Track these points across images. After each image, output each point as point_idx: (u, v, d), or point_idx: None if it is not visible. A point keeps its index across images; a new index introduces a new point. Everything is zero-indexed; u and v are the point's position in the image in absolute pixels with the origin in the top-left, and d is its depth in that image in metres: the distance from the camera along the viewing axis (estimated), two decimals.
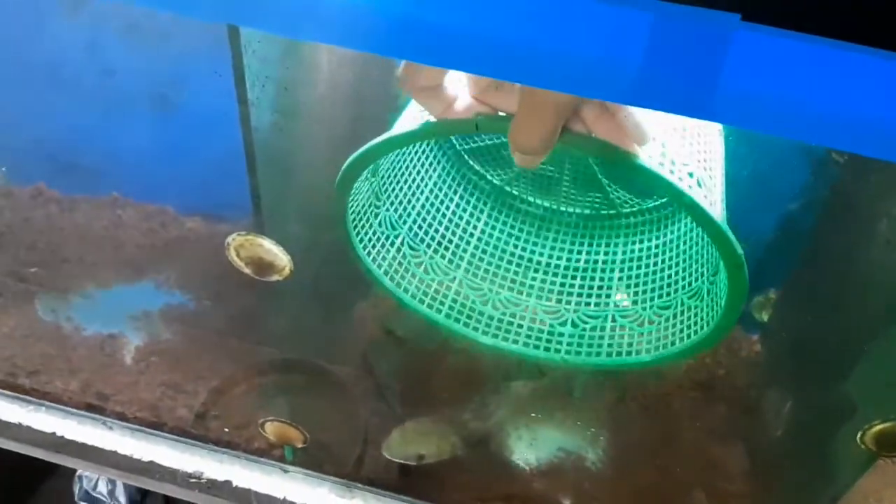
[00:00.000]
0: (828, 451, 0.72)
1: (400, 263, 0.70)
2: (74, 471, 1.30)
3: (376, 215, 0.68)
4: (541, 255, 0.76)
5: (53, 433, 0.87)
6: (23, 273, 0.85)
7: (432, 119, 0.50)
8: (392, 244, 0.70)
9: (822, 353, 0.70)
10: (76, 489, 1.30)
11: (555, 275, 0.75)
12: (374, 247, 0.68)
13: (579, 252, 0.75)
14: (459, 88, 0.50)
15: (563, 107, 0.45)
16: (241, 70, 0.54)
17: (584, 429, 0.83)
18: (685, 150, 0.54)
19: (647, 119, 0.48)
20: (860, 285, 0.70)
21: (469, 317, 0.72)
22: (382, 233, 0.69)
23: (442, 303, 0.71)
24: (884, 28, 0.35)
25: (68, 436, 0.87)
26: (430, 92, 0.49)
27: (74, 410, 0.87)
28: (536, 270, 0.75)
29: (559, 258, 0.75)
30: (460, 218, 0.73)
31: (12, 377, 0.86)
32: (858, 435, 0.63)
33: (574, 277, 0.74)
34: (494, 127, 0.49)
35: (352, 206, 0.64)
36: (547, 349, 0.71)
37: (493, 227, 0.75)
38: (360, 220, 0.66)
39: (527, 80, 0.42)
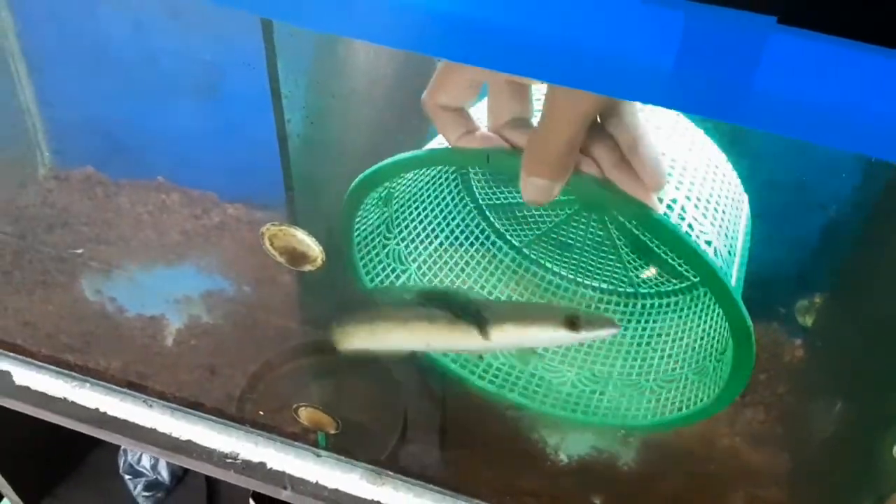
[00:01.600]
0: (865, 461, 0.71)
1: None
2: (118, 445, 1.34)
3: (385, 245, 0.69)
4: None
5: (97, 409, 0.89)
6: (70, 254, 0.88)
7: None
8: (398, 277, 0.70)
9: (865, 361, 0.68)
10: (121, 462, 1.34)
11: None
12: (377, 275, 0.68)
13: None
14: (480, 120, 0.49)
15: (581, 117, 0.44)
16: (273, 62, 0.54)
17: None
18: (706, 214, 0.53)
19: (663, 165, 0.47)
20: None
21: (466, 360, 0.72)
22: (389, 264, 0.69)
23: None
24: None
25: (111, 412, 0.89)
26: (450, 115, 0.48)
27: (116, 388, 0.89)
28: None
29: None
30: (473, 269, 0.73)
31: (58, 353, 0.89)
32: (894, 448, 0.61)
33: (581, 344, 0.73)
34: (506, 163, 0.48)
35: (361, 228, 0.65)
36: (543, 402, 0.71)
37: (506, 286, 0.75)
38: (369, 244, 0.67)
39: (560, 80, 0.42)
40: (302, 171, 0.63)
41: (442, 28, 0.39)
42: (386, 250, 0.69)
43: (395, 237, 0.69)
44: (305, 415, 0.84)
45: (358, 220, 0.65)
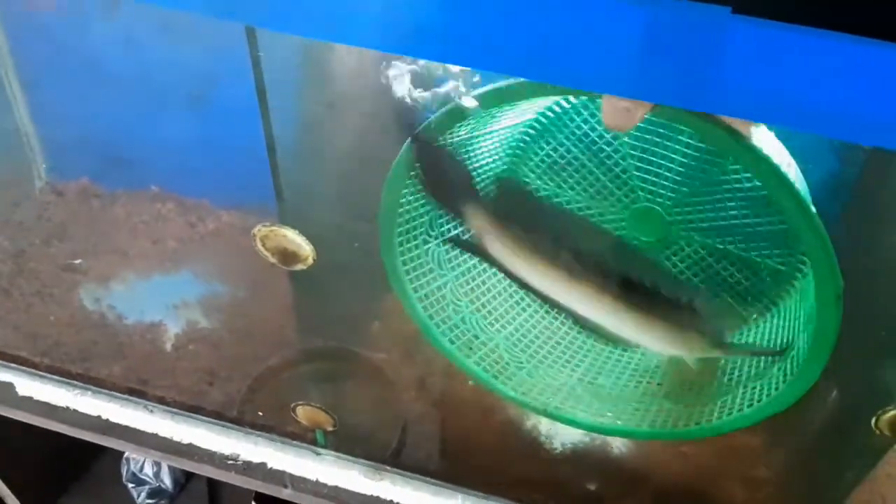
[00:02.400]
0: (847, 437, 0.73)
1: (437, 300, 0.72)
2: (122, 452, 1.35)
3: (426, 242, 0.69)
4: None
5: (99, 416, 0.91)
6: (66, 265, 0.89)
7: None
8: (434, 279, 0.71)
9: (843, 343, 0.70)
10: (124, 470, 1.36)
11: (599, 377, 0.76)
12: (413, 270, 0.69)
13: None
14: None
15: None
16: (259, 68, 0.56)
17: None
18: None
19: None
20: (880, 272, 0.69)
21: (501, 372, 0.74)
22: (427, 263, 0.70)
23: (471, 348, 0.72)
24: (870, 16, 0.35)
25: (113, 419, 0.91)
26: None
27: (118, 395, 0.91)
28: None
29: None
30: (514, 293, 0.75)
31: (60, 363, 0.91)
32: (873, 421, 0.63)
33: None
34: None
35: (404, 214, 0.65)
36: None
37: (555, 319, 0.76)
38: (409, 234, 0.67)
39: (529, 75, 0.44)
40: (290, 173, 0.65)
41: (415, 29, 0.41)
42: (427, 247, 0.70)
43: (437, 237, 0.71)
44: (303, 413, 0.86)
45: (402, 202, 0.65)
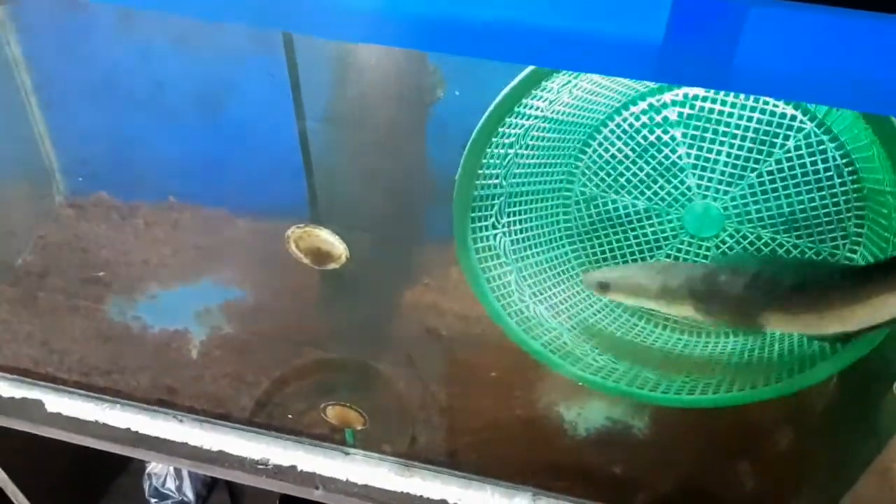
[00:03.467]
0: (869, 403, 0.75)
1: (501, 278, 0.74)
2: (144, 469, 1.36)
3: (495, 227, 0.72)
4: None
5: (128, 429, 0.92)
6: (91, 278, 0.90)
7: None
8: (500, 265, 0.74)
9: None
10: (146, 486, 1.36)
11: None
12: (482, 250, 0.72)
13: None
14: None
15: None
16: (295, 72, 0.58)
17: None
18: None
19: None
20: None
21: (566, 354, 0.76)
22: (493, 247, 0.72)
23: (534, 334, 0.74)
24: None
25: (142, 430, 0.92)
26: None
27: (146, 406, 0.92)
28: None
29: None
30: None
31: (87, 377, 0.92)
32: (894, 385, 0.65)
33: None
34: None
35: (480, 189, 0.67)
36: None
37: (618, 318, 0.79)
38: (480, 212, 0.70)
39: (554, 64, 0.46)
40: (323, 172, 0.67)
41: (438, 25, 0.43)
42: (496, 234, 0.73)
43: (503, 226, 0.73)
44: (333, 413, 0.87)
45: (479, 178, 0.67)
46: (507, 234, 0.73)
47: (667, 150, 0.71)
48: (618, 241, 0.78)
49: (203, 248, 0.90)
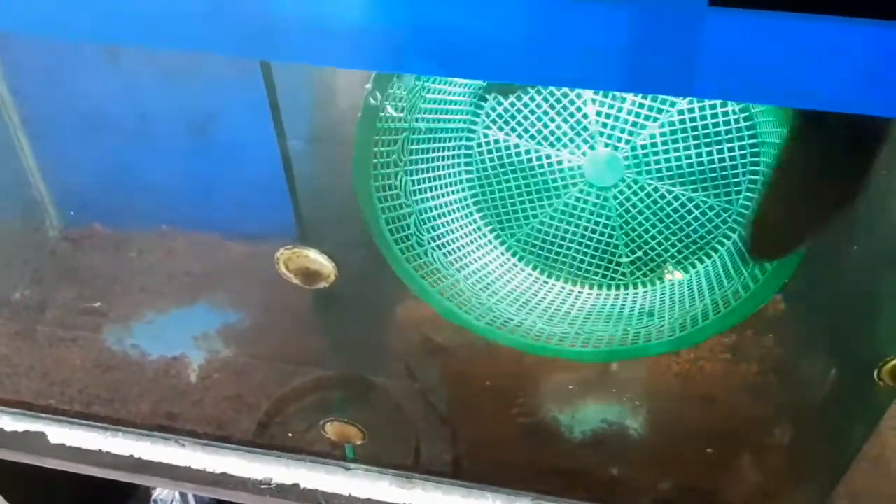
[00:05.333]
0: (852, 391, 0.76)
1: (400, 220, 0.74)
2: (150, 496, 1.37)
3: (397, 164, 0.71)
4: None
5: (131, 455, 0.93)
6: (88, 308, 0.92)
7: None
8: (400, 205, 0.73)
9: (841, 299, 0.74)
10: None
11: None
12: (386, 200, 0.71)
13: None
14: None
15: None
16: (275, 98, 0.60)
17: (625, 399, 0.87)
18: None
19: None
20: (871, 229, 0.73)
21: (463, 303, 0.76)
22: (398, 195, 0.72)
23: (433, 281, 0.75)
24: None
25: (145, 457, 0.93)
26: None
27: (148, 432, 0.93)
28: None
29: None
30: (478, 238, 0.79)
31: (88, 407, 0.93)
32: (875, 372, 0.67)
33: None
34: None
35: (381, 141, 0.67)
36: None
37: (513, 268, 0.81)
38: (383, 160, 0.69)
39: (523, 79, 0.47)
40: (307, 194, 0.68)
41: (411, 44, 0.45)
42: (397, 170, 0.72)
43: (404, 164, 0.72)
44: (332, 429, 0.88)
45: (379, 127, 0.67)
46: (409, 174, 0.73)
47: (572, 95, 0.72)
48: (518, 187, 0.78)
49: (197, 273, 0.91)
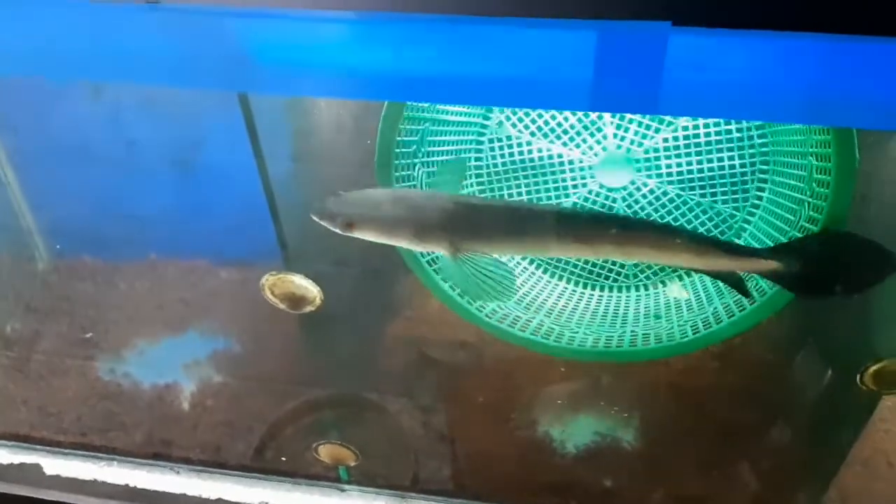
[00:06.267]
0: (837, 396, 0.77)
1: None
2: None
3: (416, 156, 0.72)
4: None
5: (126, 485, 0.93)
6: (77, 339, 0.92)
7: None
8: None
9: (821, 307, 0.74)
10: None
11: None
12: (401, 179, 0.72)
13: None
14: None
15: None
16: (254, 129, 0.61)
17: (616, 411, 0.88)
18: None
19: None
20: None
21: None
22: (413, 177, 0.73)
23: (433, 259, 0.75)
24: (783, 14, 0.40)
25: (140, 485, 0.93)
26: None
27: (143, 461, 0.93)
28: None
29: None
30: None
31: (83, 437, 0.93)
32: (858, 377, 0.67)
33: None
34: None
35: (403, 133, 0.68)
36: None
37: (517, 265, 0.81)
38: (403, 155, 0.70)
39: (502, 103, 0.49)
40: (290, 221, 0.69)
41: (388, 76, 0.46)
42: (415, 161, 0.73)
43: (422, 156, 0.73)
44: (325, 452, 0.88)
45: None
46: (426, 165, 0.73)
47: None
48: (527, 184, 0.79)
49: (186, 300, 0.92)
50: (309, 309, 0.72)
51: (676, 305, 0.78)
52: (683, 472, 0.88)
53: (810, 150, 0.63)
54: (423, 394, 0.89)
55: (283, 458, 0.92)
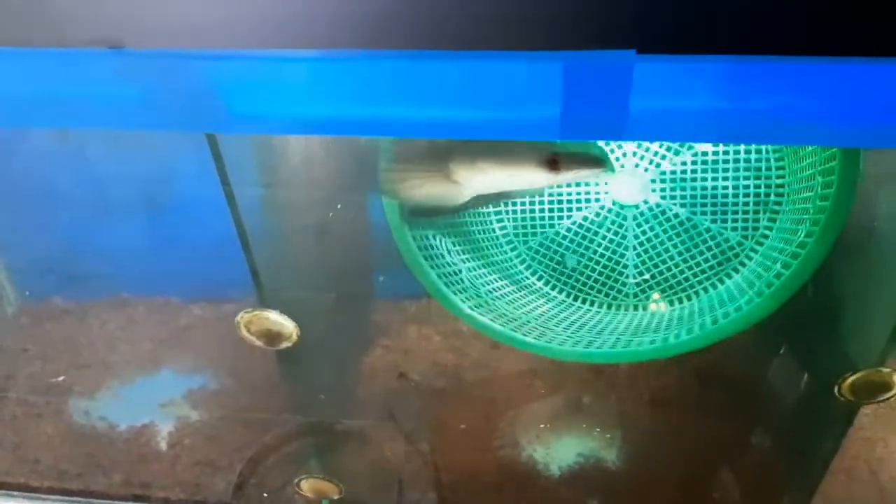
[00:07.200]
0: (816, 408, 0.77)
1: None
2: None
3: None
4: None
5: None
6: (49, 384, 0.91)
7: None
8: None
9: (798, 322, 0.75)
10: None
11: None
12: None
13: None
14: None
15: None
16: (223, 167, 0.60)
17: (598, 432, 0.88)
18: None
19: None
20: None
21: (462, 290, 0.76)
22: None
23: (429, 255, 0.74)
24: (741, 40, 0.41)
25: None
26: None
27: (122, 503, 0.92)
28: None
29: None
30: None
31: (59, 482, 0.91)
32: (836, 389, 0.68)
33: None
34: None
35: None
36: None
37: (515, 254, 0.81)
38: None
39: (474, 135, 0.49)
40: (264, 257, 0.68)
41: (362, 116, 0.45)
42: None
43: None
44: (308, 486, 0.87)
45: None
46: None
47: None
48: (540, 194, 0.79)
49: (160, 339, 0.90)
50: (286, 345, 0.71)
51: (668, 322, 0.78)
52: (667, 489, 0.88)
53: (818, 168, 0.63)
54: (404, 422, 0.89)
55: (265, 494, 0.90)
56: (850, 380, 0.67)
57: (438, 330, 0.89)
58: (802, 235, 0.64)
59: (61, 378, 0.90)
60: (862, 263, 0.70)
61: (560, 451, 0.88)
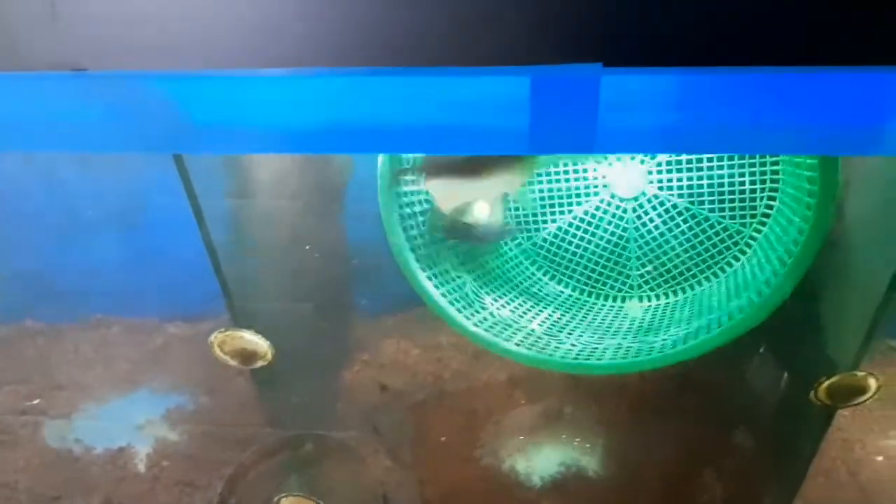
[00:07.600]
0: (793, 413, 0.78)
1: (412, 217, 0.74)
2: None
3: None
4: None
5: None
6: (24, 407, 0.89)
7: None
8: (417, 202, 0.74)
9: (774, 329, 0.75)
10: None
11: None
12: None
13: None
14: None
15: None
16: (190, 186, 0.60)
17: (580, 440, 0.88)
18: None
19: None
20: None
21: (465, 306, 0.76)
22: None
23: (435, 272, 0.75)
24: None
25: None
26: None
27: None
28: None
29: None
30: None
31: None
32: (812, 393, 0.68)
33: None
34: None
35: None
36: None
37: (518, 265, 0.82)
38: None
39: (442, 151, 0.48)
40: (235, 276, 0.68)
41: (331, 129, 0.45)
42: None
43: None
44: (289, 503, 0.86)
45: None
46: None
47: None
48: (540, 191, 0.79)
49: (135, 359, 0.89)
50: (261, 364, 0.71)
51: (672, 315, 0.79)
52: (650, 495, 0.88)
53: (805, 172, 0.64)
54: (385, 436, 0.88)
55: None
56: (825, 384, 0.68)
57: (417, 343, 0.89)
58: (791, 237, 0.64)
59: (35, 402, 0.89)
60: (836, 268, 0.71)
61: (541, 460, 0.88)
